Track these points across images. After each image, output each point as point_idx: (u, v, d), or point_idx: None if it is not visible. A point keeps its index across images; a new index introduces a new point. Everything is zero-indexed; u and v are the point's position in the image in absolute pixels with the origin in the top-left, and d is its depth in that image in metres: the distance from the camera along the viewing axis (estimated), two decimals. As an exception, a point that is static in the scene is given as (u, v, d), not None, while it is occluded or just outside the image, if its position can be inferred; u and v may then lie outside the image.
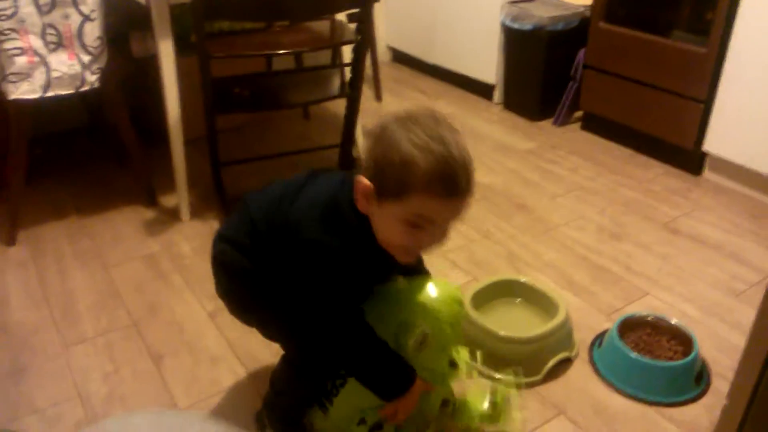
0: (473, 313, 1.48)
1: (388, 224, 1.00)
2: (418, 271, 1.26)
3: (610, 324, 1.56)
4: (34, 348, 1.56)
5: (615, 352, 1.46)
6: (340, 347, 1.08)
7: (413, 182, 0.93)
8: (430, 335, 1.13)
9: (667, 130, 2.41)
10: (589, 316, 1.66)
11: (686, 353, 1.45)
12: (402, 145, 0.93)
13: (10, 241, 1.94)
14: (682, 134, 2.35)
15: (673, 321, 1.53)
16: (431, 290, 1.17)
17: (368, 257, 1.04)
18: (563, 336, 1.50)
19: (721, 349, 1.55)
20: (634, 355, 1.43)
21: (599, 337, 1.57)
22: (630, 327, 1.54)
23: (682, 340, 1.50)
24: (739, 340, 1.52)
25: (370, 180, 0.97)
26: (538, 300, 1.60)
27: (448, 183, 0.93)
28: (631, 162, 2.49)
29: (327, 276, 1.03)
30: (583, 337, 1.58)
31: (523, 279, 1.64)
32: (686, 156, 2.38)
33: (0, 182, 2.12)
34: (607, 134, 2.66)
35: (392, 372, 1.11)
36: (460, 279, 1.80)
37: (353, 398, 1.17)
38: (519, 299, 1.63)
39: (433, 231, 0.99)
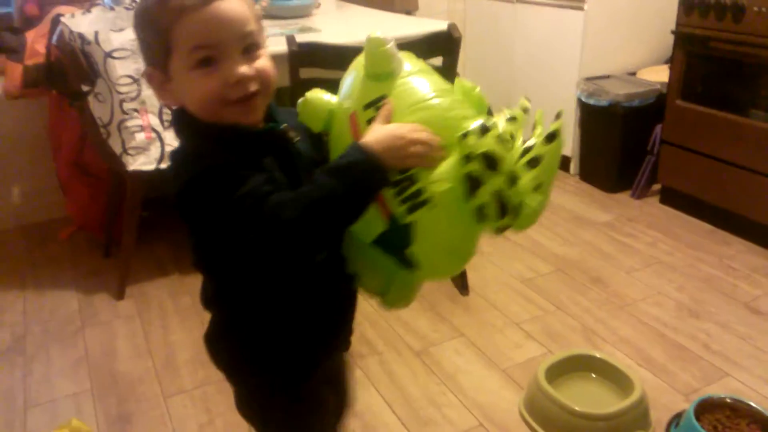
0: (547, 387, 1.53)
1: (189, 86, 0.83)
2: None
3: (687, 404, 1.56)
4: (138, 396, 1.71)
5: (692, 434, 1.46)
6: (302, 224, 0.78)
7: (162, 20, 0.81)
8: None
9: (748, 207, 2.40)
10: (666, 395, 1.67)
11: (767, 438, 1.44)
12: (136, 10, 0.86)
13: (120, 295, 2.15)
14: (763, 211, 2.34)
15: (753, 404, 1.52)
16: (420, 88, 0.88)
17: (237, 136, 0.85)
18: (640, 414, 1.51)
19: (806, 436, 1.52)
20: (711, 437, 1.43)
21: (676, 418, 1.57)
22: (707, 408, 1.53)
23: (763, 425, 1.48)
24: (825, 429, 1.49)
25: (149, 65, 0.87)
26: (613, 376, 1.62)
27: None
28: (710, 237, 2.48)
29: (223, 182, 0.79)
30: (659, 417, 1.58)
31: (598, 354, 1.67)
32: (768, 233, 2.36)
33: (113, 242, 2.35)
34: (686, 208, 2.66)
35: (350, 177, 0.79)
36: (535, 351, 1.85)
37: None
38: (594, 374, 1.66)
39: (230, 56, 0.82)
